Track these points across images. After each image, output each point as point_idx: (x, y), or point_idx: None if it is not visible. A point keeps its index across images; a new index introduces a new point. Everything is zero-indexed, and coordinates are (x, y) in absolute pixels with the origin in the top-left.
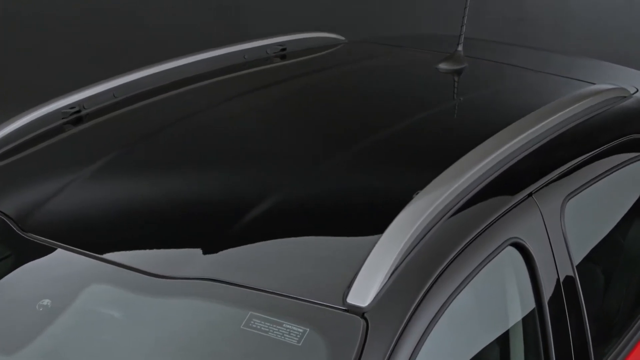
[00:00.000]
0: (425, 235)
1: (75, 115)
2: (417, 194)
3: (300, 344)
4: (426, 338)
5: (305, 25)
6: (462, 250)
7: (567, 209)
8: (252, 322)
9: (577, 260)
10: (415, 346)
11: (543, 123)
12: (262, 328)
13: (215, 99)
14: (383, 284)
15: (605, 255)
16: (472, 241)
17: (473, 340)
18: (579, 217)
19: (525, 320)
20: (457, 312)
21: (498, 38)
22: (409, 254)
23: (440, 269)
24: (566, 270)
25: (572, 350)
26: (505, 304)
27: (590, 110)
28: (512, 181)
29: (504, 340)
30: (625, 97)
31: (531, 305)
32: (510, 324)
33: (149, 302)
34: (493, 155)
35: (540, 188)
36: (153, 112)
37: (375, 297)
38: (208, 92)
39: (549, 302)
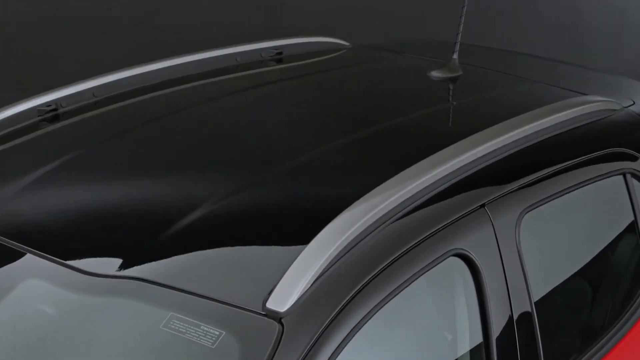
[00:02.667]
0: (358, 243)
1: (52, 114)
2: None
3: (214, 347)
4: (345, 345)
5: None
6: (397, 259)
7: (524, 223)
8: (172, 323)
9: (533, 276)
10: (333, 353)
11: (510, 133)
12: (180, 329)
13: (187, 102)
14: (304, 291)
15: (568, 273)
16: (409, 250)
17: (403, 350)
18: (540, 232)
19: (465, 332)
20: (387, 320)
21: (550, 45)
22: (337, 261)
23: (369, 276)
24: (518, 286)
25: None
26: (445, 315)
27: (571, 122)
28: (464, 191)
29: (438, 352)
30: (615, 110)
31: (475, 317)
32: (448, 336)
33: (75, 298)
34: (448, 165)
35: (494, 200)
36: (124, 114)
37: (295, 303)
38: (184, 96)
39: (494, 315)
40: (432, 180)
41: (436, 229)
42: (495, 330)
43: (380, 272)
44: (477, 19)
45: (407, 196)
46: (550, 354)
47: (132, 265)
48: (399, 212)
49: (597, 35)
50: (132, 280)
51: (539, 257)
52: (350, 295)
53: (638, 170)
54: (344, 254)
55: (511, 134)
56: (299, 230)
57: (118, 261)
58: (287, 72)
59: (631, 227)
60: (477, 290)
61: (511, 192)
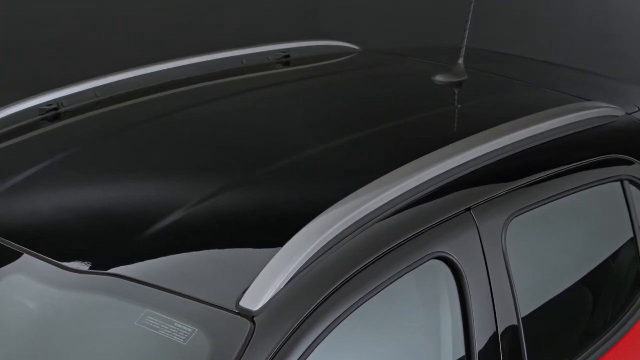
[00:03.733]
0: (336, 244)
1: (53, 113)
2: None
3: (185, 343)
4: (317, 345)
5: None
6: (374, 261)
7: (511, 228)
8: (147, 319)
9: (520, 281)
10: (304, 352)
11: (502, 138)
12: (154, 325)
13: (183, 104)
14: (278, 290)
15: (558, 281)
16: (388, 252)
17: (378, 353)
18: (529, 237)
19: (445, 334)
20: (363, 323)
21: (581, 51)
22: (313, 262)
23: (344, 278)
24: (502, 291)
25: None
26: (424, 318)
27: (569, 127)
28: (449, 194)
29: (413, 355)
30: (617, 116)
31: (456, 320)
32: (425, 338)
33: (54, 292)
34: (434, 168)
35: (481, 204)
36: (120, 115)
37: (268, 302)
38: (182, 98)
39: (477, 319)
40: (417, 183)
41: (418, 231)
42: (478, 335)
43: (356, 274)
44: (509, 24)
45: (389, 199)
46: None
47: (112, 262)
48: (380, 214)
49: (629, 40)
50: (111, 277)
51: (527, 262)
52: (324, 296)
53: (636, 177)
54: (321, 255)
55: (503, 138)
56: (277, 231)
57: (99, 258)
58: (289, 74)
59: (628, 235)
60: (460, 293)
61: (498, 196)
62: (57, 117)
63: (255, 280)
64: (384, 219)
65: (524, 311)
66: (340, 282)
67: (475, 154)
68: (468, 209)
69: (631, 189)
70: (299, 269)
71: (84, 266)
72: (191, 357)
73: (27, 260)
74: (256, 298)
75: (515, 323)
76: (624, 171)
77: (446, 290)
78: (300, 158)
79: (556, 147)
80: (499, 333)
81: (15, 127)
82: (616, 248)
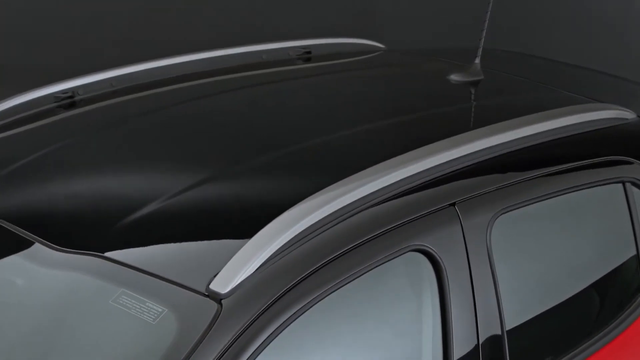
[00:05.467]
0: (311, 234)
1: (68, 100)
2: None
3: (154, 322)
4: (282, 330)
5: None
6: (347, 252)
7: (497, 226)
8: (121, 298)
9: (504, 280)
10: (269, 336)
11: (497, 136)
12: (127, 304)
13: (187, 97)
14: (247, 275)
15: (546, 282)
16: (362, 243)
17: (345, 341)
18: (517, 236)
19: (421, 325)
20: (333, 310)
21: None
22: (285, 250)
23: (315, 266)
24: (484, 287)
25: None
26: (398, 308)
27: (572, 128)
28: (433, 188)
29: (381, 344)
30: (627, 119)
31: (435, 312)
32: (399, 328)
33: (33, 268)
34: (420, 162)
35: (466, 199)
36: (133, 105)
37: (236, 287)
38: (188, 91)
39: (455, 313)
40: (403, 176)
41: (397, 223)
42: (455, 330)
43: (328, 263)
44: (568, 29)
45: (370, 191)
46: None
47: (95, 244)
48: (360, 206)
49: None
50: (92, 257)
51: (513, 261)
52: (293, 282)
53: (639, 179)
54: (294, 244)
55: (498, 136)
56: (253, 220)
57: (82, 239)
58: (305, 70)
59: (628, 237)
60: (439, 287)
61: (485, 193)
62: (70, 106)
63: (227, 265)
64: (363, 210)
65: (507, 309)
66: (311, 269)
67: (468, 150)
68: (452, 204)
69: (633, 191)
70: (271, 256)
71: (67, 245)
72: (158, 336)
73: (14, 237)
74: (225, 282)
75: (497, 321)
76: (626, 173)
77: (425, 283)
78: (290, 150)
79: (554, 147)
80: (479, 329)
81: (27, 113)
82: (614, 250)
